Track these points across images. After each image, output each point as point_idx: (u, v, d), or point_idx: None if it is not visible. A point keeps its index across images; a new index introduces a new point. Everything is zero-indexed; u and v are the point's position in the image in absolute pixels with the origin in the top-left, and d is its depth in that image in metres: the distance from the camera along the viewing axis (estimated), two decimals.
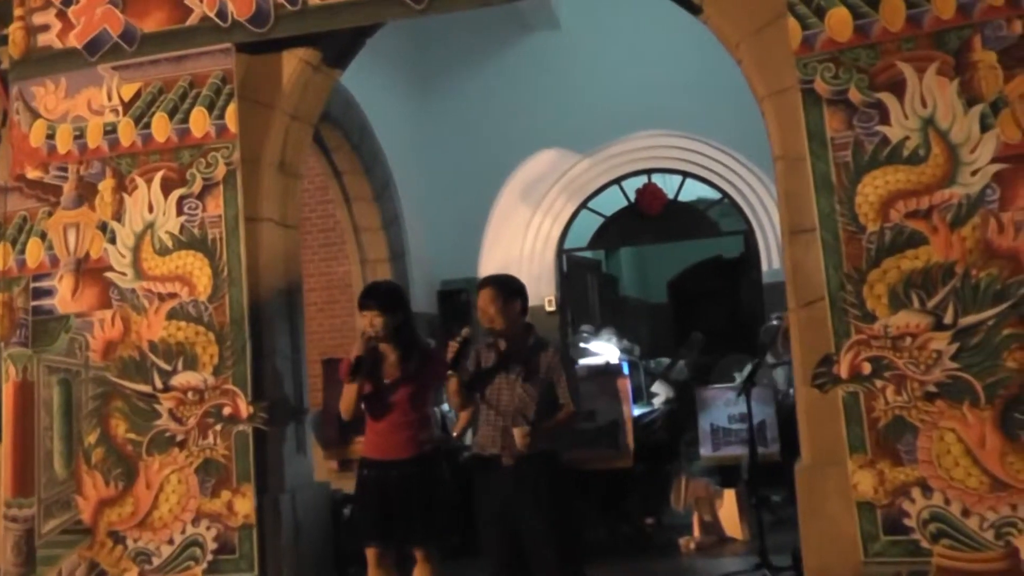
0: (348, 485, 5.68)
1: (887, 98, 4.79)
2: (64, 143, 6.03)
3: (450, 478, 4.76)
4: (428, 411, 4.86)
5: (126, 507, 5.70)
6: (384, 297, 4.80)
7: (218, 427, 5.61)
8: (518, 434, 4.31)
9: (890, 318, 4.68)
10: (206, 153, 5.80)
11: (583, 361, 7.47)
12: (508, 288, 4.53)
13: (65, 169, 6.01)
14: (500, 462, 4.41)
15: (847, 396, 4.72)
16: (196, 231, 5.79)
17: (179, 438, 5.67)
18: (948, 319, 4.61)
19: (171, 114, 5.88)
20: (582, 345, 8.61)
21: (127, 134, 5.95)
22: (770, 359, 7.43)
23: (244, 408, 5.59)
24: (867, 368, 4.70)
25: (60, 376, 5.89)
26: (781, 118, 5.16)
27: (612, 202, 11.21)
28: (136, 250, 5.86)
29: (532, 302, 10.22)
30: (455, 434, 5.44)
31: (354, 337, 5.21)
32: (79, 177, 5.99)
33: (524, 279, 4.78)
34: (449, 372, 4.43)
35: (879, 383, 4.68)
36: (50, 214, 6.00)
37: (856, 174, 4.79)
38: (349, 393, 4.64)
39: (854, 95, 4.82)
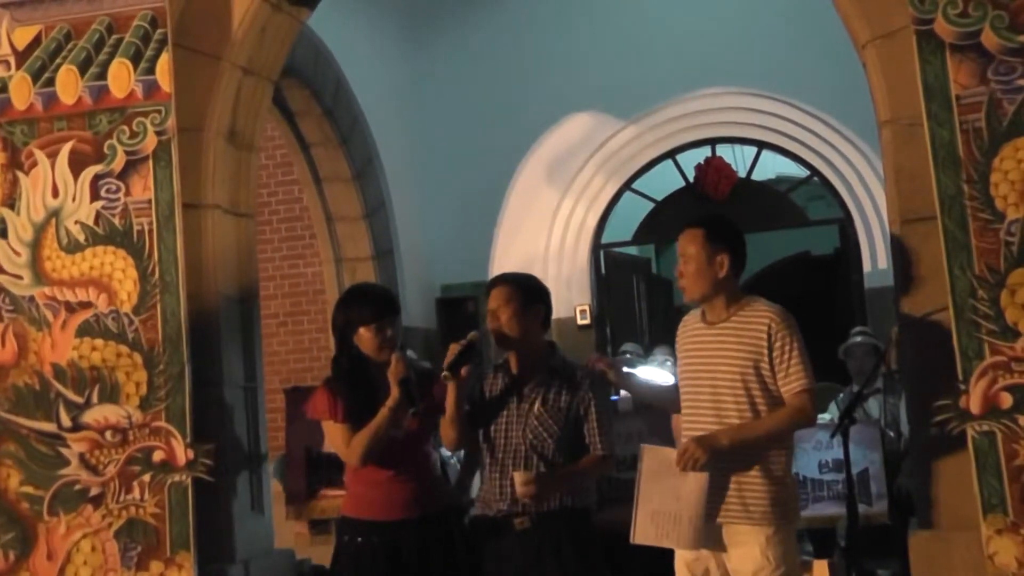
0: (319, 553, 5.64)
1: None
2: None
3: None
4: (433, 453, 4.81)
5: None
6: (396, 303, 4.69)
7: (146, 477, 5.61)
8: (518, 480, 4.23)
9: None
10: (130, 119, 5.81)
11: (627, 392, 7.40)
12: (529, 288, 4.52)
13: None
14: (513, 524, 4.35)
15: (980, 438, 4.70)
16: (117, 221, 5.79)
17: (93, 492, 5.66)
18: None
19: (82, 68, 5.88)
20: (626, 370, 8.54)
21: (22, 94, 5.95)
22: (855, 386, 7.39)
23: (181, 453, 5.59)
24: (1007, 400, 4.70)
25: None
26: (889, 70, 5.15)
27: (665, 182, 11.19)
28: (36, 246, 5.86)
29: (560, 313, 10.39)
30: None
31: (328, 360, 5.10)
32: None
33: (550, 283, 4.76)
34: (444, 374, 4.35)
35: None
36: None
37: (992, 144, 4.78)
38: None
39: (989, 39, 4.80)
